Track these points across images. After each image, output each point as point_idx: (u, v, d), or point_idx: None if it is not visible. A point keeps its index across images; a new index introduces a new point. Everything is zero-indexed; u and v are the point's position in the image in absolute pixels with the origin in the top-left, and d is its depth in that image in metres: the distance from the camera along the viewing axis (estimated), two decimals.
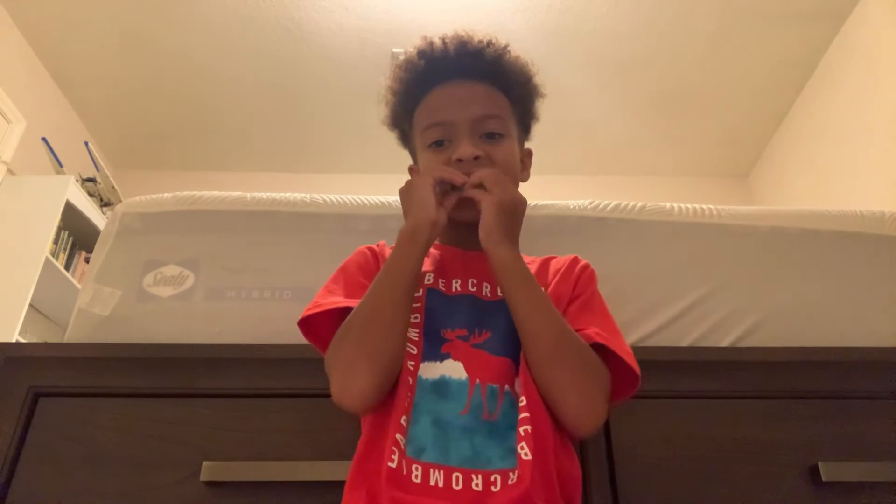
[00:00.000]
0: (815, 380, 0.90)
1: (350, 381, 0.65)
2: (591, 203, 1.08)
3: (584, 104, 3.34)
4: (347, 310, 0.70)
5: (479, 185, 0.73)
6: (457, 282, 0.77)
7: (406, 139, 0.90)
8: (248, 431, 0.85)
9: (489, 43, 0.83)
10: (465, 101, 0.80)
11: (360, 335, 0.66)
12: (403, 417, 0.64)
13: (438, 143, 0.80)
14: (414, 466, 0.61)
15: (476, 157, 0.76)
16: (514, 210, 0.73)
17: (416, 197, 0.73)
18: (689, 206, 1.10)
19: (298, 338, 0.93)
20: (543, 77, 0.87)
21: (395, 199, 1.07)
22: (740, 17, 2.89)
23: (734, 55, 3.08)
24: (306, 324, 0.74)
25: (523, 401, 0.64)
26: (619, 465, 0.82)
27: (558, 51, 3.05)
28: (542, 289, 0.72)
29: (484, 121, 0.79)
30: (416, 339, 0.70)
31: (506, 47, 0.84)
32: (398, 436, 0.62)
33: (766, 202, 3.64)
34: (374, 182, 3.68)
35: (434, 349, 0.70)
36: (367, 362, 0.64)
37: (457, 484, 0.60)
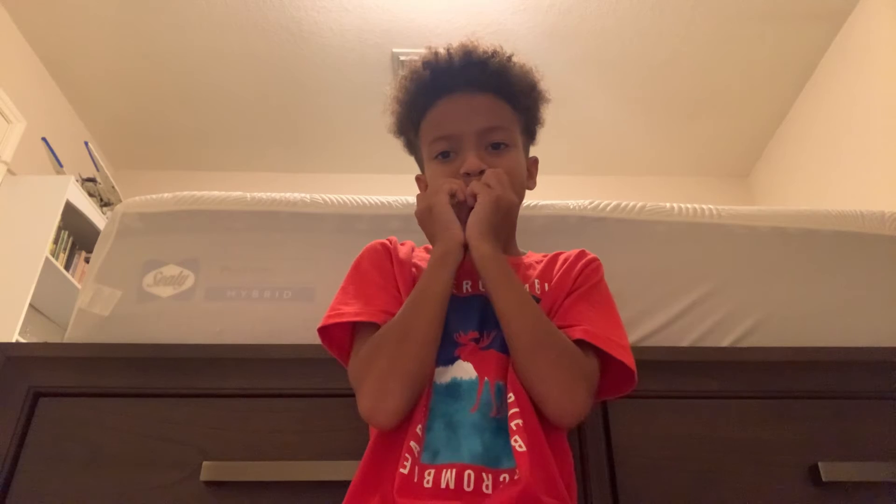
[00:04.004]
0: (815, 380, 0.90)
1: (383, 401, 0.65)
2: (591, 203, 1.08)
3: (584, 104, 3.34)
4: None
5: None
6: (467, 283, 0.77)
7: (412, 147, 0.90)
8: (248, 431, 0.85)
9: (494, 53, 0.83)
10: (470, 113, 0.81)
11: (393, 356, 0.66)
12: (419, 426, 0.64)
13: (445, 155, 0.81)
14: (427, 472, 0.62)
15: (482, 172, 0.77)
16: (509, 211, 0.75)
17: (440, 219, 0.74)
18: (689, 206, 1.10)
19: (298, 338, 0.93)
20: (544, 78, 0.88)
21: (395, 198, 1.07)
22: (740, 17, 2.89)
23: (734, 55, 3.08)
24: (323, 329, 0.74)
25: (511, 396, 0.65)
26: (619, 465, 0.82)
27: (559, 51, 3.05)
28: (523, 285, 0.72)
29: (489, 132, 0.80)
30: None
31: (510, 56, 0.84)
32: (412, 443, 0.63)
33: (766, 202, 3.64)
34: (374, 182, 3.68)
35: (446, 353, 0.70)
36: (400, 383, 0.65)
37: (468, 485, 0.61)
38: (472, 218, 0.72)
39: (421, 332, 0.67)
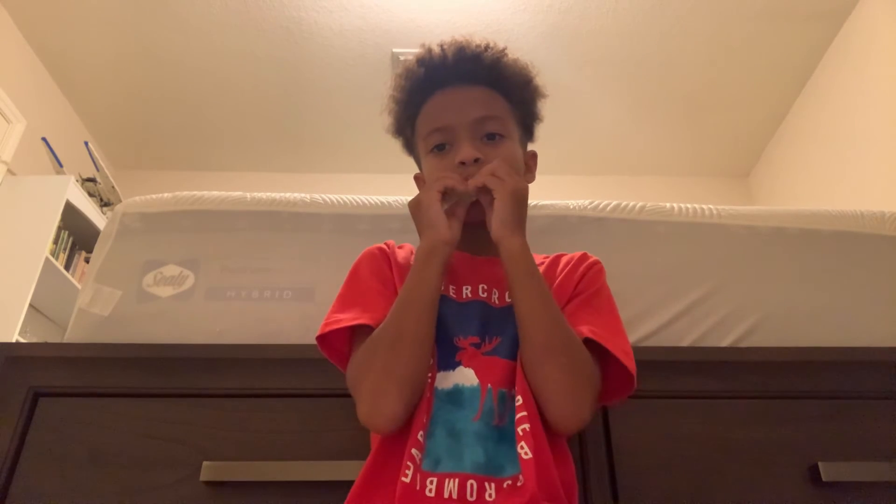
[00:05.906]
0: (815, 380, 0.90)
1: (380, 405, 0.64)
2: (591, 203, 1.08)
3: (584, 104, 3.34)
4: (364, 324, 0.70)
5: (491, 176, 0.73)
6: (467, 288, 0.77)
7: (410, 147, 0.90)
8: (248, 431, 0.84)
9: (487, 47, 0.83)
10: (464, 104, 0.80)
11: (386, 359, 0.66)
12: (421, 433, 0.64)
13: (440, 148, 0.80)
14: (429, 480, 0.61)
15: (476, 160, 0.76)
16: (524, 199, 0.74)
17: (426, 215, 0.73)
18: (689, 206, 1.09)
19: (298, 338, 0.93)
20: (543, 77, 0.87)
21: (395, 198, 1.08)
22: (740, 17, 2.89)
23: (734, 55, 3.08)
24: (322, 338, 0.73)
25: (519, 400, 0.64)
26: (619, 465, 0.82)
27: (559, 51, 3.05)
28: (546, 285, 0.72)
29: (483, 122, 0.79)
30: None
31: (503, 50, 0.84)
32: (414, 451, 0.62)
33: (766, 202, 3.64)
34: (374, 182, 3.69)
35: (447, 358, 0.70)
36: (396, 386, 0.64)
37: (471, 494, 0.61)
38: (496, 216, 0.71)
39: (412, 333, 0.66)
